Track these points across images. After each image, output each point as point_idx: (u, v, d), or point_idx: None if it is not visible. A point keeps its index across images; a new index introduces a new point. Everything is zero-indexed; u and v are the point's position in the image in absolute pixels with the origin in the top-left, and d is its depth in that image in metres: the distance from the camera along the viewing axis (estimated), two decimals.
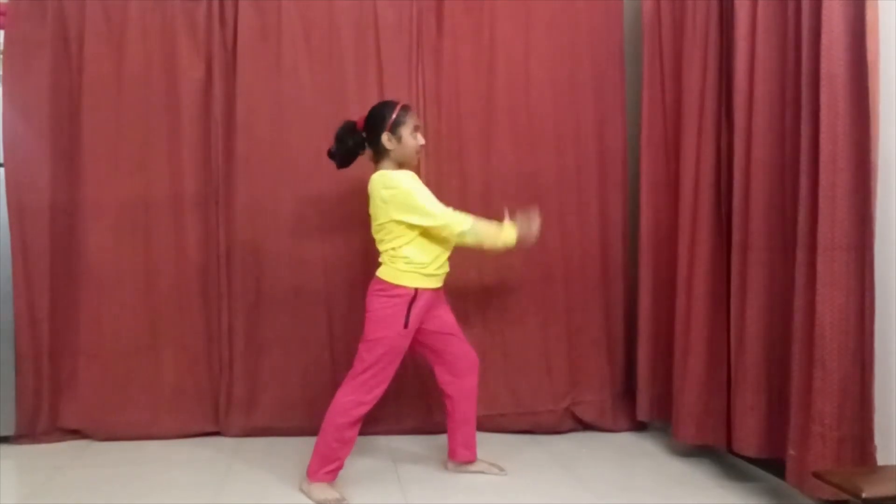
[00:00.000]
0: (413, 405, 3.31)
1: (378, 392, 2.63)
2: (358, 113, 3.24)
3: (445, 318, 2.76)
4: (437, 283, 2.67)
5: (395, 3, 3.29)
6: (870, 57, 2.18)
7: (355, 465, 2.92)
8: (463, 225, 2.57)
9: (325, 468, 2.63)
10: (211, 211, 3.28)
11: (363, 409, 2.61)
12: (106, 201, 3.21)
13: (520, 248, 2.74)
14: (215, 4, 3.23)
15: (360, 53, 3.29)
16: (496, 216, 3.29)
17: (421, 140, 2.67)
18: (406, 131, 2.62)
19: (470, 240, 2.59)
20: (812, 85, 2.28)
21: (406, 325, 2.58)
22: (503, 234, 2.64)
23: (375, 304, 2.61)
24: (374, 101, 3.23)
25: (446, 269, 2.70)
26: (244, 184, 3.24)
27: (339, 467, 2.65)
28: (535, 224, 2.69)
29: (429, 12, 3.33)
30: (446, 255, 2.67)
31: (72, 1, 3.18)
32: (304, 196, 3.25)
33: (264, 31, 3.25)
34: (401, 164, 2.64)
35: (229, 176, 3.26)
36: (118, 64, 3.21)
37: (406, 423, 3.31)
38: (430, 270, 2.61)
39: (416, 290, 2.59)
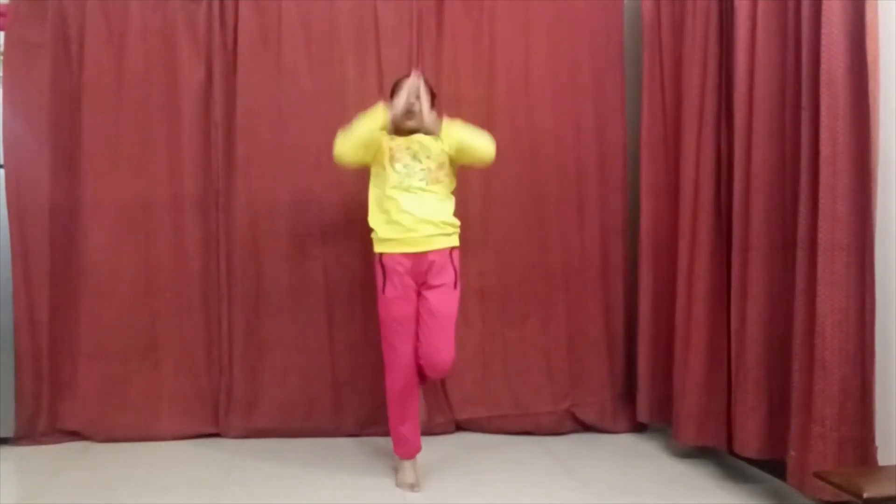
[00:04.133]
0: None
1: (392, 367, 2.69)
2: (358, 114, 3.26)
3: (432, 300, 2.66)
4: (402, 247, 2.62)
5: (395, 4, 3.29)
6: (869, 58, 2.18)
7: (355, 465, 2.93)
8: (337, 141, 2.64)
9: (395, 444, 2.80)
10: (211, 212, 3.28)
11: (391, 384, 2.71)
12: (106, 202, 3.21)
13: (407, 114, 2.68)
14: (216, 5, 3.24)
15: (360, 55, 3.29)
16: (496, 217, 3.32)
17: (402, 103, 2.65)
18: (396, 96, 2.71)
19: (343, 142, 2.64)
20: (812, 86, 2.28)
21: (383, 292, 2.65)
22: (370, 116, 2.65)
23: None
24: (374, 102, 3.24)
25: (414, 233, 2.60)
26: (244, 185, 3.24)
27: (401, 441, 2.77)
28: (411, 93, 2.65)
29: (429, 14, 3.33)
30: (402, 214, 2.60)
31: (72, 2, 3.18)
32: (305, 197, 3.25)
33: (264, 32, 3.25)
34: (398, 129, 2.71)
35: (229, 177, 3.26)
36: (118, 65, 3.21)
37: None
38: (384, 234, 2.64)
39: (381, 255, 2.66)
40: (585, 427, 3.37)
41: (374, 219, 2.68)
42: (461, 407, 3.34)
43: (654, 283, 3.16)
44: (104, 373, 3.22)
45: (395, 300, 2.65)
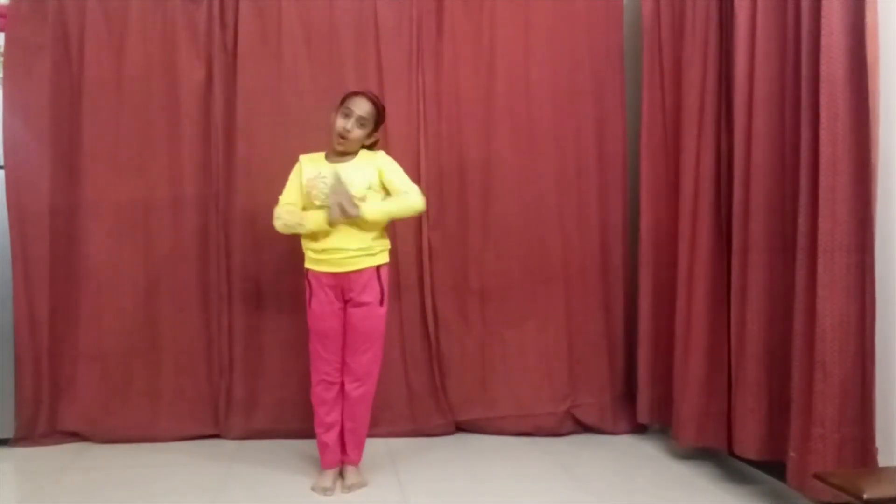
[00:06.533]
0: (410, 408, 3.31)
1: (316, 375, 2.71)
2: None
3: (353, 318, 2.68)
4: (327, 266, 2.67)
5: (395, 5, 3.29)
6: (869, 58, 2.18)
7: None
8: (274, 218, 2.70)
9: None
10: (211, 213, 3.27)
11: (314, 390, 2.73)
12: (106, 203, 3.21)
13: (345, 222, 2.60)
14: (216, 6, 3.23)
15: (360, 56, 3.29)
16: (495, 218, 3.32)
17: (340, 124, 2.68)
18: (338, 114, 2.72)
19: (279, 226, 2.69)
20: (812, 87, 2.28)
21: (310, 305, 2.70)
22: (307, 219, 2.65)
23: None
24: None
25: (338, 253, 2.64)
26: (244, 186, 3.24)
27: (325, 450, 2.76)
28: (342, 197, 2.56)
29: (429, 14, 3.33)
30: (324, 243, 2.65)
31: (72, 2, 3.18)
32: None
33: (264, 33, 3.25)
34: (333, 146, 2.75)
35: (229, 178, 3.26)
36: (118, 66, 3.21)
37: (405, 426, 3.30)
38: (311, 254, 2.69)
39: (308, 270, 2.71)
40: (585, 428, 3.36)
41: (305, 236, 2.72)
42: (461, 408, 3.34)
43: (654, 283, 3.16)
44: (104, 373, 3.22)
45: (319, 314, 2.70)
